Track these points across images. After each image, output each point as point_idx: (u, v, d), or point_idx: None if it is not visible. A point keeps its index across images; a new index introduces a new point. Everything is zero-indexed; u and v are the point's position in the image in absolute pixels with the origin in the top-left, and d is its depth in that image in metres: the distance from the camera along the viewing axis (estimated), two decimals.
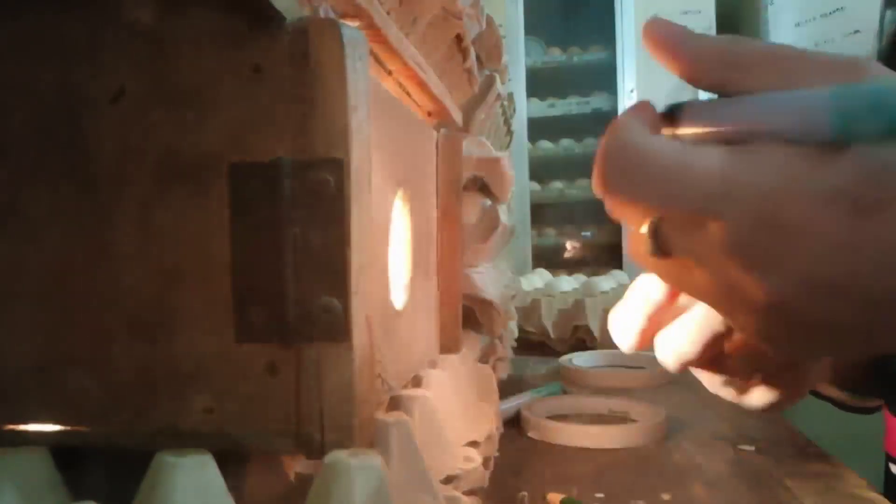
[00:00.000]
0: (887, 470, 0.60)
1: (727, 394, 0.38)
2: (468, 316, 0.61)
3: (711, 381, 0.37)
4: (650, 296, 0.31)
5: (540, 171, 2.28)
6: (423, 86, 0.43)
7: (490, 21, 0.63)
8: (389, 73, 0.40)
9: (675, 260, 0.26)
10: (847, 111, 0.22)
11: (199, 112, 0.27)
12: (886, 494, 0.62)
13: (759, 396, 0.35)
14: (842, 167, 0.23)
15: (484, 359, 0.67)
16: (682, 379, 0.88)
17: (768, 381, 0.34)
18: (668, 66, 0.27)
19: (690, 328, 0.31)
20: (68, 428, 0.28)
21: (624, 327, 0.33)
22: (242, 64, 0.27)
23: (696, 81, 0.27)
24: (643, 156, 0.24)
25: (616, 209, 0.26)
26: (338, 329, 0.26)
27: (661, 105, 0.28)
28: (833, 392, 0.66)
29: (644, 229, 0.26)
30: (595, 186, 0.25)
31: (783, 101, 0.24)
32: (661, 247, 0.26)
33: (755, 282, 0.24)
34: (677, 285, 0.28)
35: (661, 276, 0.28)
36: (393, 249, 0.38)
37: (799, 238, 0.23)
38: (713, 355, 0.32)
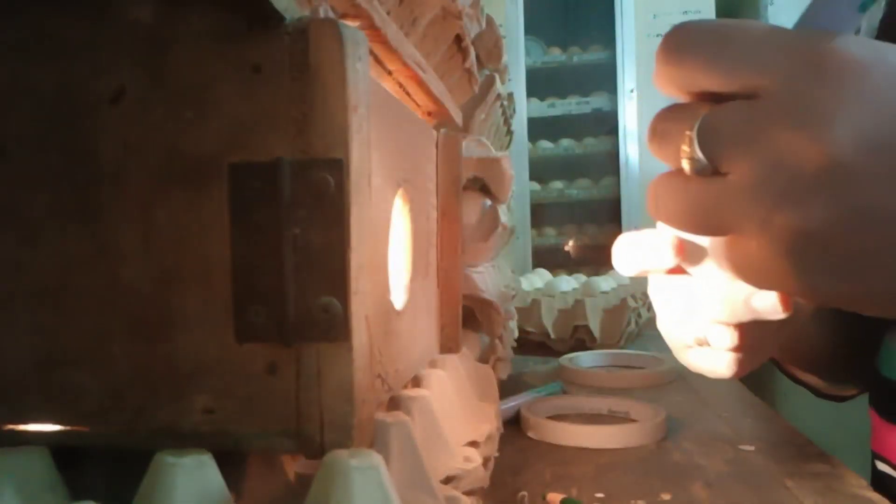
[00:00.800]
0: (874, 467, 0.60)
1: (691, 359, 0.38)
2: (468, 316, 0.61)
3: (677, 347, 0.38)
4: (662, 258, 0.31)
5: (540, 171, 2.28)
6: (423, 86, 0.43)
7: (490, 21, 0.63)
8: (389, 73, 0.40)
9: (714, 182, 0.25)
10: None
11: (199, 112, 0.27)
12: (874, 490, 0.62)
13: (724, 362, 0.36)
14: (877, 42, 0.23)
15: (484, 359, 0.67)
16: (682, 379, 0.88)
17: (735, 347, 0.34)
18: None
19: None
20: (68, 428, 0.28)
21: (627, 259, 0.33)
22: (242, 64, 0.27)
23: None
24: (701, 27, 0.25)
25: (670, 84, 0.26)
26: (338, 329, 0.26)
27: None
28: (810, 378, 0.66)
29: (688, 135, 0.25)
30: (659, 59, 0.26)
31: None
32: (705, 144, 0.25)
33: (810, 139, 0.22)
34: (709, 213, 0.26)
35: (691, 210, 0.26)
36: (393, 249, 0.38)
37: (852, 86, 0.22)
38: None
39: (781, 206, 0.24)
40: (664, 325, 0.39)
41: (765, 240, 0.25)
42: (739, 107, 0.24)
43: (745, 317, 0.32)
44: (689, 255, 0.30)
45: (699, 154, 0.25)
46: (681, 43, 0.26)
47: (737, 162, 0.24)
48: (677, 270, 0.32)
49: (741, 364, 0.36)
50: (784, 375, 0.68)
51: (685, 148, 0.26)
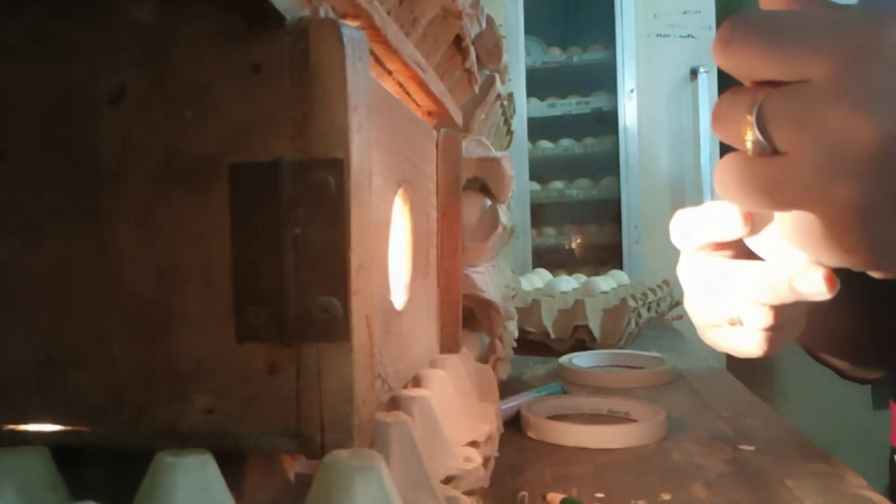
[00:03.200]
0: (891, 462, 0.60)
1: (719, 338, 0.39)
2: (468, 316, 0.61)
3: (705, 326, 0.38)
4: (732, 228, 0.32)
5: (540, 171, 2.28)
6: (423, 86, 0.43)
7: (490, 21, 0.63)
8: (389, 73, 0.40)
9: (775, 162, 0.26)
10: None
11: (199, 112, 0.27)
12: (892, 487, 0.62)
13: (756, 341, 0.36)
14: None
15: (484, 359, 0.67)
16: (682, 379, 0.88)
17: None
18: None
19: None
20: (68, 428, 0.28)
21: (690, 232, 0.34)
22: (242, 64, 0.27)
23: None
24: (757, 17, 0.26)
25: (730, 71, 0.27)
26: (338, 329, 0.26)
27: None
28: (834, 360, 0.66)
29: (749, 118, 0.26)
30: (716, 48, 0.27)
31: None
32: (764, 128, 0.26)
33: (865, 122, 0.23)
34: (772, 190, 0.27)
35: (755, 188, 0.27)
36: (393, 249, 0.38)
37: None
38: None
39: (840, 182, 0.25)
40: (693, 304, 0.40)
41: (826, 214, 0.26)
42: (795, 90, 0.25)
43: (788, 298, 0.33)
44: (756, 225, 0.32)
45: (759, 136, 0.26)
46: (735, 34, 0.27)
47: (795, 143, 0.25)
48: (724, 247, 0.34)
49: (771, 343, 0.37)
50: (809, 356, 0.67)
51: (747, 131, 0.27)
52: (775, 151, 0.26)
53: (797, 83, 0.25)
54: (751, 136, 0.27)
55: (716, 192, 0.30)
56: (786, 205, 0.27)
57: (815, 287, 0.31)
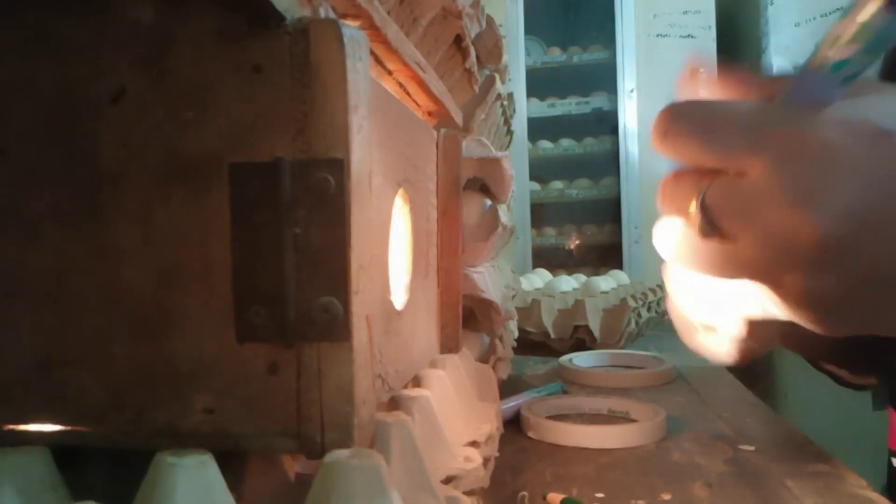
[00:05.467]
0: (889, 465, 0.60)
1: (697, 342, 0.40)
2: (468, 316, 0.61)
3: (685, 330, 0.40)
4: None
5: (540, 171, 2.28)
6: (423, 86, 0.43)
7: (490, 21, 0.63)
8: (389, 73, 0.40)
9: (720, 240, 0.27)
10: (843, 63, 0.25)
11: (200, 112, 0.27)
12: (889, 489, 0.62)
13: (727, 349, 0.38)
14: (859, 101, 0.25)
15: (484, 359, 0.67)
16: (682, 379, 0.88)
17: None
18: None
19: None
20: (68, 428, 0.28)
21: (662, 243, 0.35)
22: (242, 64, 0.27)
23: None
24: (691, 110, 0.28)
25: (671, 153, 0.28)
26: (338, 329, 0.26)
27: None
28: (832, 368, 0.66)
29: (693, 207, 0.28)
30: (654, 138, 0.28)
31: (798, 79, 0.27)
32: (709, 217, 0.27)
33: (802, 219, 0.24)
34: (723, 269, 0.28)
35: (706, 265, 0.29)
36: (393, 249, 0.38)
37: (833, 165, 0.24)
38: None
39: (788, 272, 0.26)
40: (675, 308, 0.41)
41: (777, 294, 0.27)
42: (735, 185, 0.26)
43: (762, 315, 0.33)
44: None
45: (705, 224, 0.28)
46: (672, 128, 0.28)
47: (739, 233, 0.27)
48: None
49: (743, 353, 0.38)
50: (809, 364, 0.68)
51: (692, 214, 0.28)
52: (720, 234, 0.27)
53: (735, 177, 0.26)
54: (696, 221, 0.28)
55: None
56: (738, 281, 0.28)
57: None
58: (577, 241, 2.28)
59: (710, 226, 0.27)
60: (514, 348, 0.80)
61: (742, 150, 0.26)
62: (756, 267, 0.27)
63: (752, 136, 0.26)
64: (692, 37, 2.13)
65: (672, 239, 0.30)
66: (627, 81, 2.16)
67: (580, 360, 0.95)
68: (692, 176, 0.28)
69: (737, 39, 2.20)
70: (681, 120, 0.28)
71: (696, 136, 0.27)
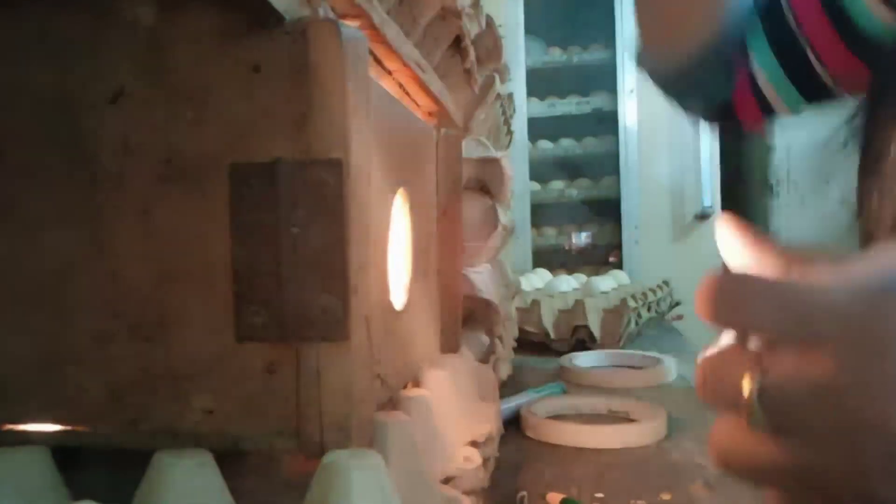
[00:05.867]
0: None
1: None
2: (468, 316, 0.61)
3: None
4: None
5: (540, 171, 2.28)
6: (423, 86, 0.43)
7: (490, 21, 0.63)
8: (389, 73, 0.40)
9: (780, 451, 0.24)
10: None
11: (199, 112, 0.27)
12: None
13: None
14: None
15: (484, 359, 0.67)
16: (682, 379, 0.88)
17: None
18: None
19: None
20: (68, 428, 0.28)
21: None
22: (242, 64, 0.27)
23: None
24: (756, 281, 0.25)
25: (718, 322, 0.25)
26: (337, 329, 0.26)
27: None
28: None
29: (747, 389, 0.24)
30: (703, 312, 0.25)
31: None
32: (771, 414, 0.24)
33: (877, 411, 0.22)
34: (776, 472, 0.25)
35: (757, 466, 0.25)
36: (393, 249, 0.38)
37: None
38: None
39: (860, 481, 0.23)
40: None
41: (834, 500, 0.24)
42: (803, 379, 0.23)
43: None
44: None
45: (759, 411, 0.24)
46: (737, 293, 0.25)
47: (803, 439, 0.24)
48: None
49: None
50: None
51: (743, 401, 0.25)
52: (775, 428, 0.24)
53: (803, 360, 0.23)
54: (748, 409, 0.24)
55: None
56: (791, 485, 0.25)
57: None
58: (578, 242, 2.27)
59: (767, 421, 0.24)
60: (514, 348, 0.80)
61: (812, 330, 0.23)
62: (817, 480, 0.24)
63: (823, 317, 0.23)
64: None
65: (719, 438, 0.26)
66: (627, 81, 2.15)
67: (580, 360, 0.95)
68: (741, 354, 0.25)
69: None
70: (746, 289, 0.25)
71: (763, 308, 0.24)
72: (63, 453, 0.28)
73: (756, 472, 0.26)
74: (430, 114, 0.50)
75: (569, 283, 1.30)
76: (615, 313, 1.08)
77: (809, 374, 0.23)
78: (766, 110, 0.56)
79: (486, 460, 0.43)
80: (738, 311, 0.25)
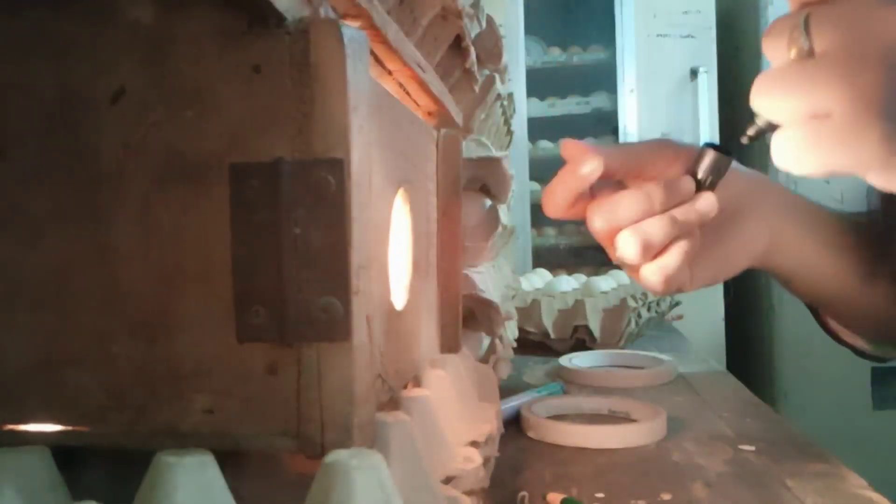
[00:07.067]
0: None
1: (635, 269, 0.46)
2: (468, 316, 0.61)
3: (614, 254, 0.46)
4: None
5: (540, 171, 2.28)
6: (423, 86, 0.43)
7: (490, 21, 0.63)
8: (389, 73, 0.40)
9: (811, 60, 0.31)
10: None
11: (200, 112, 0.27)
12: None
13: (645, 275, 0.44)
14: None
15: (484, 359, 0.67)
16: (682, 379, 0.88)
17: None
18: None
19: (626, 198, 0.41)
20: (68, 428, 0.28)
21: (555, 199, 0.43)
22: (242, 64, 0.27)
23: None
24: None
25: None
26: (338, 329, 0.26)
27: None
28: (855, 340, 0.66)
29: (800, 25, 0.31)
30: None
31: None
32: (809, 32, 0.31)
33: (892, 16, 0.28)
34: (804, 93, 0.31)
35: (791, 90, 0.31)
36: (393, 249, 0.38)
37: None
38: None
39: (864, 71, 0.29)
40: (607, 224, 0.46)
41: (845, 107, 0.30)
42: (835, 3, 0.31)
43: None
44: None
45: (803, 39, 0.31)
46: None
47: (832, 40, 0.30)
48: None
49: (667, 281, 0.44)
50: (829, 336, 0.68)
51: (792, 40, 0.32)
52: (811, 54, 0.31)
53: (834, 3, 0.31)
54: (795, 43, 0.31)
55: (752, 104, 0.34)
56: (812, 101, 0.31)
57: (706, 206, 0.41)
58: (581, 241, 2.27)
59: (808, 41, 0.31)
60: (514, 348, 0.80)
61: None
62: (836, 73, 0.30)
63: None
64: (692, 37, 2.13)
65: (760, 78, 0.33)
66: (627, 81, 2.15)
67: (580, 360, 0.95)
68: (795, 13, 0.32)
69: (737, 39, 2.20)
70: None
71: None
72: (63, 453, 0.28)
73: (788, 91, 0.32)
74: (430, 114, 0.50)
75: (569, 283, 1.30)
76: (615, 313, 1.08)
77: (841, 6, 0.30)
78: None
79: (486, 460, 0.43)
80: None
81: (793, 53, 0.31)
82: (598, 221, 0.42)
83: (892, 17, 0.29)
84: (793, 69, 0.31)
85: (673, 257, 0.43)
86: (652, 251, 0.42)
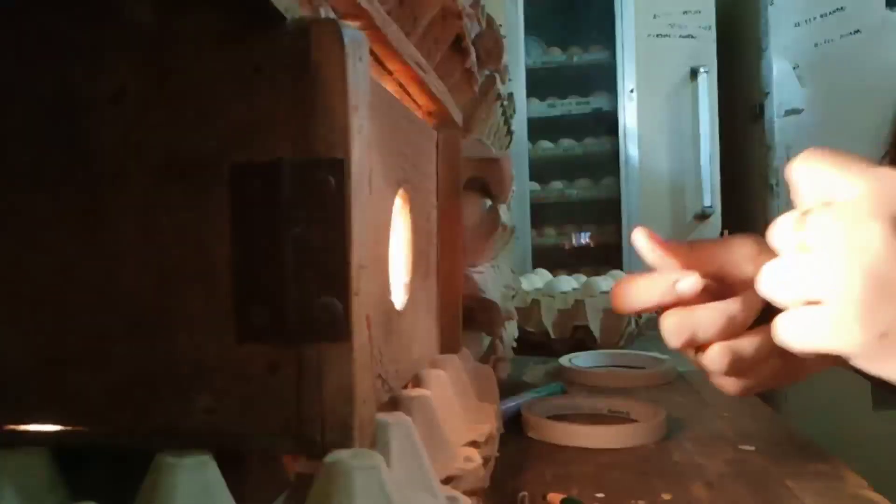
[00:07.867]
0: None
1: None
2: (468, 316, 0.61)
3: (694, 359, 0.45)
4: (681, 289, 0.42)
5: (540, 171, 2.28)
6: (423, 86, 0.43)
7: (490, 21, 0.63)
8: (390, 73, 0.40)
9: (807, 256, 0.34)
10: None
11: (200, 112, 0.27)
12: None
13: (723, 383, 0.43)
14: None
15: (484, 359, 0.67)
16: (682, 379, 0.88)
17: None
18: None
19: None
20: (68, 428, 0.28)
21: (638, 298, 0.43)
22: (243, 64, 0.27)
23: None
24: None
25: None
26: (338, 329, 0.26)
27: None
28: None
29: (801, 222, 0.34)
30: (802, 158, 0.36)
31: None
32: (810, 228, 0.34)
33: (876, 231, 0.31)
34: (806, 276, 0.34)
35: (788, 282, 0.35)
36: (393, 249, 0.38)
37: None
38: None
39: (855, 271, 0.32)
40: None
41: (834, 294, 0.33)
42: (831, 205, 0.34)
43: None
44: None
45: (803, 234, 0.34)
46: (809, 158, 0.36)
47: (825, 239, 0.33)
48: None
49: (741, 387, 0.44)
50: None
51: (796, 230, 0.35)
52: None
53: (832, 209, 0.34)
54: (797, 237, 0.34)
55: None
56: (805, 290, 0.34)
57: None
58: (584, 241, 2.27)
59: (810, 234, 0.34)
60: (514, 348, 0.80)
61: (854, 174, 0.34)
62: (830, 266, 0.33)
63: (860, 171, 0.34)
64: (692, 37, 2.13)
65: (768, 265, 0.36)
66: (627, 81, 2.15)
67: (580, 360, 0.95)
68: (800, 213, 0.35)
69: (737, 39, 2.20)
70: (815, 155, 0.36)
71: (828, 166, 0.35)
72: (63, 453, 0.28)
73: (794, 278, 0.35)
74: (430, 114, 0.50)
75: (569, 283, 1.30)
76: (615, 313, 1.08)
77: (839, 202, 0.34)
78: None
79: (486, 460, 0.43)
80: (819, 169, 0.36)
81: (795, 246, 0.35)
82: (675, 338, 0.42)
83: (877, 231, 0.32)
84: (792, 261, 0.35)
85: (762, 374, 0.44)
86: (741, 368, 0.42)
